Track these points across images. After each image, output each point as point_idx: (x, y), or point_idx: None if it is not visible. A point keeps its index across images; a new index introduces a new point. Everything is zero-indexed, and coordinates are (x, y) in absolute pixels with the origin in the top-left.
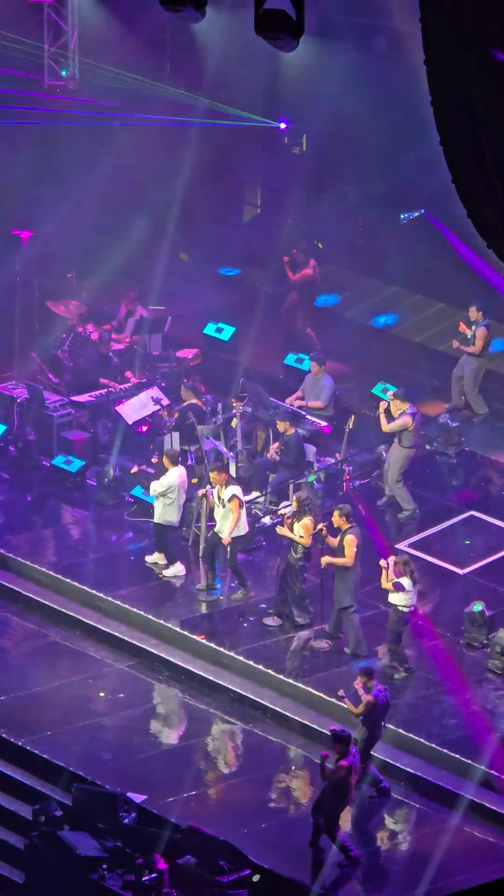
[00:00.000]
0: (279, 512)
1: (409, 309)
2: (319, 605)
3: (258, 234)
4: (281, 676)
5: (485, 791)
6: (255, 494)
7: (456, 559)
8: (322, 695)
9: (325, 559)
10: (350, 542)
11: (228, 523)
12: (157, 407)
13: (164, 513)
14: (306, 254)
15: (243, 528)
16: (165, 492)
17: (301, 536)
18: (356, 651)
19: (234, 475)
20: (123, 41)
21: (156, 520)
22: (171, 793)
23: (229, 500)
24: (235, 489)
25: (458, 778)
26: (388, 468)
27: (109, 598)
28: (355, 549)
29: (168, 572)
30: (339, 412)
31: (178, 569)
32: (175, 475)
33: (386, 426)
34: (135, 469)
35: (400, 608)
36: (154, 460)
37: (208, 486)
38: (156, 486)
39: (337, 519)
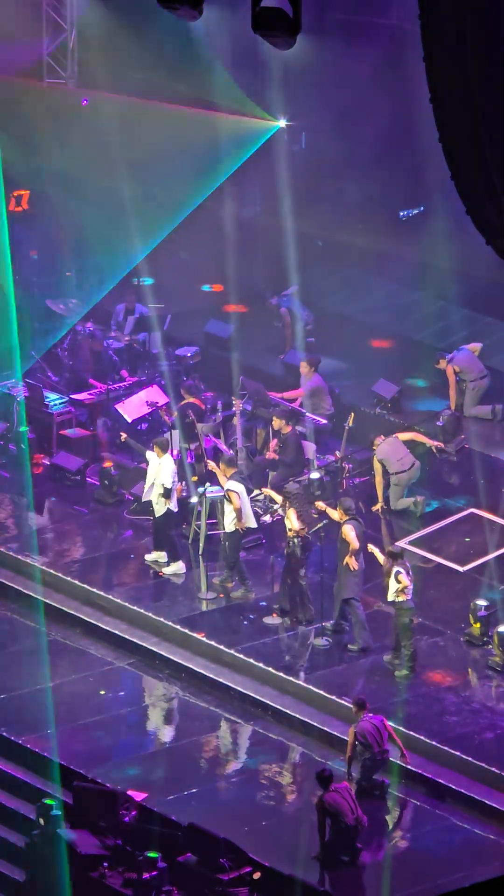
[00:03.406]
0: (278, 510)
1: (409, 307)
2: (320, 602)
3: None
4: (281, 674)
5: (485, 788)
6: (255, 492)
7: (456, 557)
8: (323, 692)
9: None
10: (345, 532)
11: (226, 517)
12: (153, 408)
13: (165, 505)
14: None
15: (250, 521)
16: (164, 482)
17: (290, 529)
18: (362, 644)
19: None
20: (122, 39)
21: (158, 514)
22: (171, 791)
23: (226, 495)
24: (231, 483)
25: (459, 775)
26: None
27: (109, 596)
28: (354, 535)
29: (168, 570)
30: (338, 410)
31: (178, 566)
32: (171, 462)
33: (379, 483)
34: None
35: (398, 601)
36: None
37: (207, 484)
38: (166, 483)
39: (339, 512)
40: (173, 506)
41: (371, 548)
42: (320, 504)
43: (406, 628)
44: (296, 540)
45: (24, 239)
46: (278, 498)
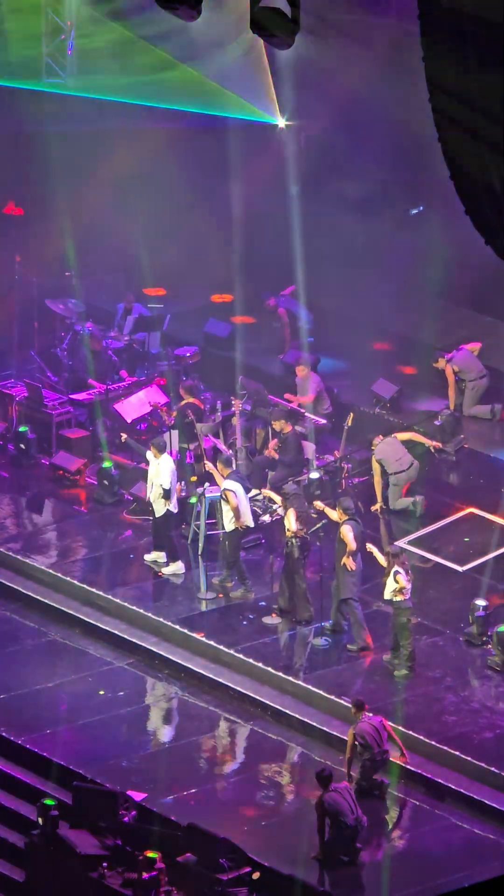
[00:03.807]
0: (277, 510)
1: (409, 306)
2: (319, 602)
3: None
4: (280, 674)
5: (485, 788)
6: (254, 492)
7: (455, 557)
8: (322, 692)
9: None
10: (343, 532)
11: (225, 517)
12: (152, 408)
13: (165, 505)
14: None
15: (248, 520)
16: (162, 483)
17: (288, 530)
18: (361, 644)
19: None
20: (121, 39)
21: (158, 514)
22: (171, 791)
23: (223, 495)
24: (227, 483)
25: (458, 775)
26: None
27: (109, 596)
28: (352, 536)
29: (167, 570)
30: (337, 409)
31: (177, 566)
32: (170, 462)
33: (377, 482)
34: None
35: (395, 600)
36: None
37: (207, 484)
38: (164, 483)
39: (338, 512)
40: (173, 506)
41: (370, 547)
42: (319, 504)
43: (404, 628)
44: (294, 540)
45: (20, 240)
46: (278, 498)
